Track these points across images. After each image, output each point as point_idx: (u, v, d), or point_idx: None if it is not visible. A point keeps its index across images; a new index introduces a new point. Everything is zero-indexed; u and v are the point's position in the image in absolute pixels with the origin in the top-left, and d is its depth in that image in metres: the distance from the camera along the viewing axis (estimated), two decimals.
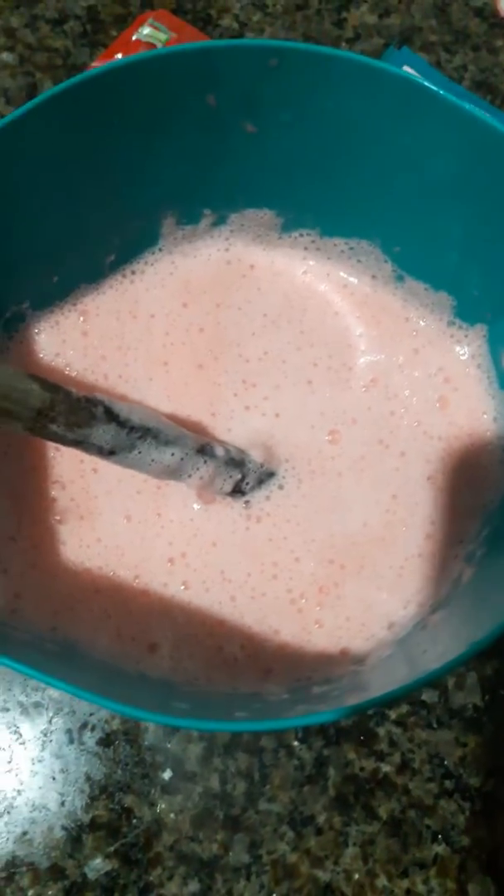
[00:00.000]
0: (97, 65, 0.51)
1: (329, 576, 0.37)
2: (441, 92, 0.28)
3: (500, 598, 0.29)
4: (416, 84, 0.28)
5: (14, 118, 0.30)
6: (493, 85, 0.52)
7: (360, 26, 0.53)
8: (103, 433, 0.32)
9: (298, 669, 0.35)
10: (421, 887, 0.39)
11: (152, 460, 0.34)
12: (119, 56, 0.51)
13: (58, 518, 0.37)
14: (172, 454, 0.34)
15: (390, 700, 0.25)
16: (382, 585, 0.36)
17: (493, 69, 0.53)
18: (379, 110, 0.31)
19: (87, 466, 0.38)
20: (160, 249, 0.40)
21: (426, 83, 0.28)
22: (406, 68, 0.51)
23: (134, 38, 0.51)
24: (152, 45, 0.51)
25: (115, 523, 0.37)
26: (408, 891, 0.38)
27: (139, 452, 0.34)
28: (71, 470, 0.38)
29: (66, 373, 0.39)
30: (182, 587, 0.37)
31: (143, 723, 0.39)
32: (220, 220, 0.40)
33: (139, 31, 0.51)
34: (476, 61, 0.53)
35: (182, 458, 0.35)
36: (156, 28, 0.51)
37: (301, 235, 0.40)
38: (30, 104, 0.30)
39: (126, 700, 0.24)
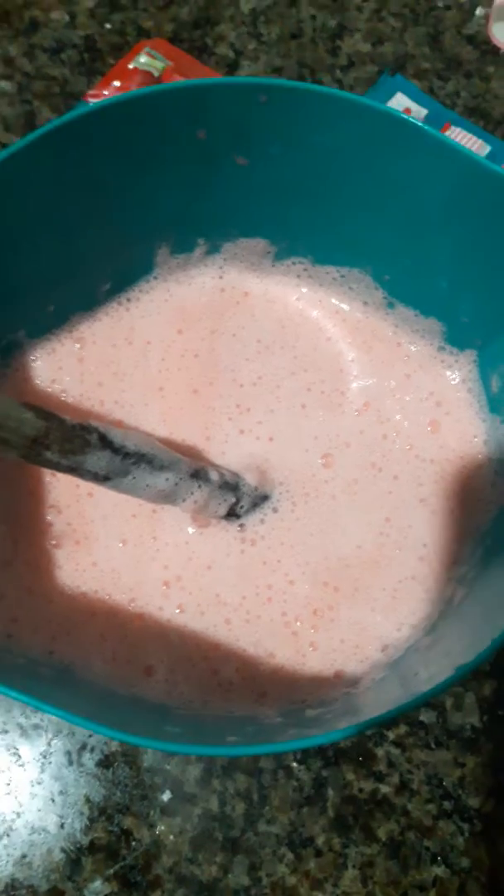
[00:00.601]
0: (94, 93, 0.52)
1: (323, 598, 0.37)
2: (425, 127, 0.29)
3: (488, 621, 0.29)
4: (401, 119, 0.29)
5: (10, 152, 0.30)
6: (485, 111, 0.53)
7: (354, 54, 0.54)
8: (98, 460, 0.32)
9: (293, 692, 0.35)
10: None
11: (147, 485, 0.34)
12: (116, 83, 0.51)
13: (54, 542, 0.37)
14: (167, 479, 0.35)
15: (380, 723, 0.25)
16: (376, 608, 0.37)
17: (485, 95, 0.53)
18: (366, 144, 0.32)
19: (82, 491, 0.38)
20: (155, 278, 0.41)
21: (410, 119, 0.29)
22: (399, 95, 0.52)
23: (131, 66, 0.52)
24: (149, 73, 0.52)
25: (110, 547, 0.37)
26: None
27: (133, 478, 0.34)
28: (67, 494, 0.38)
29: (63, 399, 0.39)
30: (177, 610, 0.37)
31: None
32: (213, 249, 0.41)
33: (136, 59, 0.52)
34: (468, 88, 0.54)
35: (176, 483, 0.35)
36: (152, 56, 0.52)
37: (294, 263, 0.41)
38: (27, 139, 0.30)
39: (120, 725, 0.25)
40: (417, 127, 0.29)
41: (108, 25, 0.54)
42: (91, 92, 0.52)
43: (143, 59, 0.52)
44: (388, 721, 0.26)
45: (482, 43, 0.55)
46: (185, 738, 0.27)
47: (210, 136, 0.33)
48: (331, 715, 0.30)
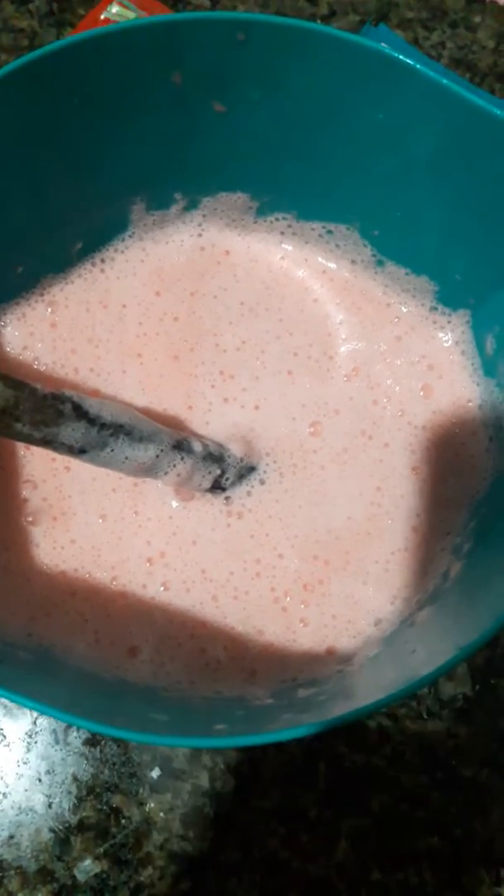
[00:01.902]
0: None
1: (313, 572, 0.36)
2: (418, 66, 0.27)
3: (489, 596, 0.28)
4: (392, 59, 0.27)
5: None
6: (472, 62, 0.51)
7: (336, 3, 0.52)
8: (73, 431, 0.31)
9: (284, 670, 0.34)
10: (414, 880, 0.39)
11: (126, 458, 0.33)
12: None
13: (30, 519, 0.36)
14: (147, 451, 0.33)
15: (377, 709, 0.24)
16: (368, 581, 0.36)
17: (471, 46, 0.52)
18: (354, 87, 0.30)
19: (59, 465, 0.37)
20: (130, 236, 0.39)
21: (402, 57, 0.27)
22: (383, 46, 0.50)
23: (102, 16, 0.49)
24: None
25: (90, 523, 0.36)
26: (401, 884, 0.38)
27: (112, 450, 0.32)
28: (42, 469, 0.36)
29: (35, 367, 0.37)
30: (162, 588, 0.36)
31: None
32: (192, 205, 0.39)
33: (108, 9, 0.50)
34: (454, 38, 0.52)
35: (158, 455, 0.34)
36: (124, 6, 0.50)
37: (277, 219, 0.39)
38: None
39: (103, 714, 0.23)
40: (409, 66, 0.27)
41: None
42: None
43: (114, 9, 0.50)
44: (386, 706, 0.25)
45: None
46: (171, 727, 0.26)
47: (185, 80, 0.31)
48: (324, 696, 0.29)
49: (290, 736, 0.22)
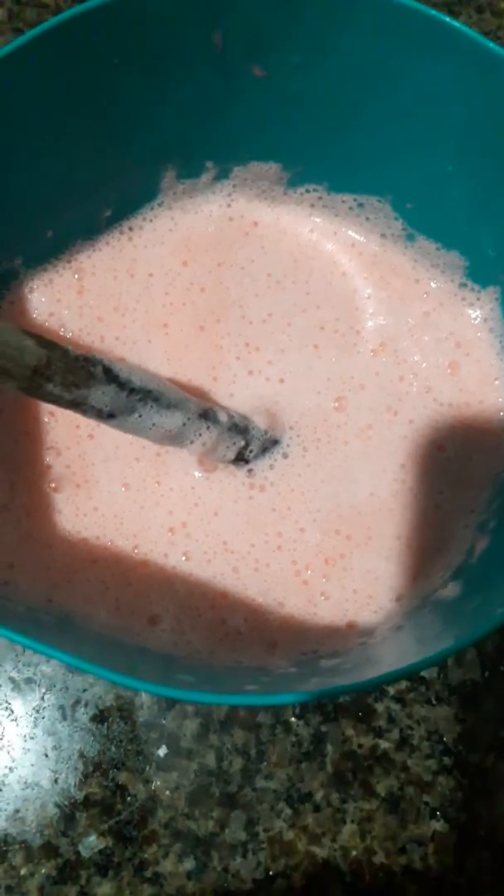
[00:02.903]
0: None
1: (335, 547, 0.36)
2: (462, 28, 0.27)
3: None
4: (436, 19, 0.27)
5: (3, 55, 0.28)
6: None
7: None
8: (102, 395, 0.30)
9: (304, 643, 0.34)
10: (419, 864, 0.38)
11: (153, 424, 0.32)
12: None
13: (53, 486, 0.36)
14: (174, 418, 0.33)
15: (407, 674, 0.24)
16: (391, 557, 0.36)
17: (496, 31, 0.52)
18: (396, 50, 0.30)
19: (83, 432, 0.36)
20: (159, 205, 0.39)
21: (445, 18, 0.27)
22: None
23: None
24: None
25: (112, 491, 0.36)
26: (405, 867, 0.38)
27: (140, 416, 0.32)
28: (66, 436, 0.36)
29: (61, 334, 0.37)
30: (183, 558, 0.35)
31: (137, 699, 0.39)
32: (222, 174, 0.38)
33: None
34: (480, 23, 0.52)
35: (184, 423, 0.33)
36: None
37: (308, 191, 0.39)
38: (17, 42, 0.28)
39: (128, 670, 0.23)
40: (453, 27, 0.27)
41: None
42: None
43: None
44: (418, 671, 0.25)
45: None
46: (198, 686, 0.25)
47: (226, 41, 0.30)
48: (349, 665, 0.29)
49: (326, 695, 0.22)
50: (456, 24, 0.27)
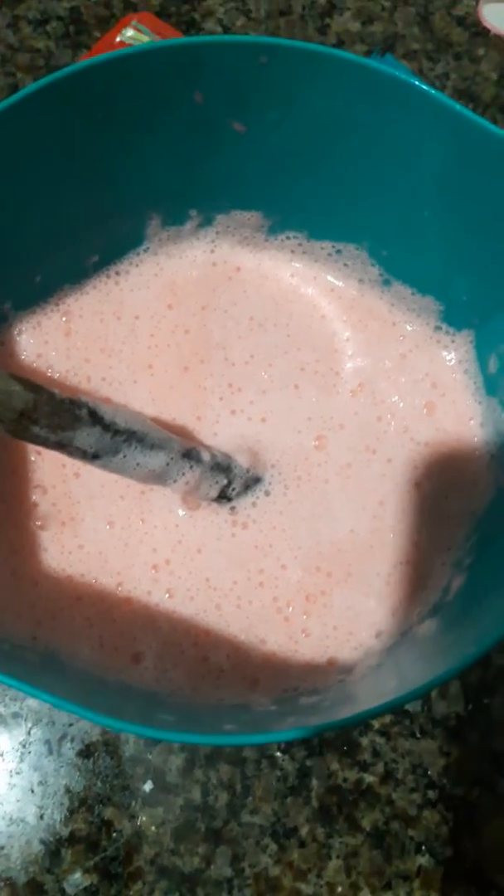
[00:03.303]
0: None
1: (316, 584, 0.36)
2: (431, 91, 0.28)
3: (489, 610, 0.28)
4: (406, 83, 0.28)
5: None
6: (475, 93, 0.53)
7: (344, 33, 0.53)
8: (87, 436, 0.31)
9: (285, 680, 0.34)
10: None
11: (137, 464, 0.33)
12: None
13: (39, 523, 0.36)
14: (158, 458, 0.34)
15: (383, 712, 0.24)
16: (370, 593, 0.36)
17: (474, 77, 0.53)
18: (369, 109, 0.31)
19: (69, 471, 0.37)
20: (145, 250, 0.40)
21: (417, 82, 0.28)
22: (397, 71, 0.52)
23: (117, 39, 0.51)
24: None
25: (97, 529, 0.36)
26: None
27: (124, 456, 0.33)
28: (52, 474, 0.37)
29: (49, 375, 0.38)
30: (166, 595, 0.36)
31: (123, 734, 0.39)
32: (206, 222, 0.40)
33: (122, 33, 0.51)
34: (458, 70, 0.53)
35: (168, 463, 0.34)
36: (139, 30, 0.51)
37: (288, 238, 0.40)
38: (12, 98, 0.29)
39: (110, 711, 0.24)
40: (421, 90, 0.28)
41: None
42: None
43: (129, 32, 0.51)
44: (393, 709, 0.25)
45: (472, 25, 0.54)
46: (178, 726, 0.26)
47: (207, 99, 0.32)
48: (328, 702, 0.30)
49: (300, 735, 0.23)
50: (424, 86, 0.28)
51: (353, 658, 0.35)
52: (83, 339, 0.39)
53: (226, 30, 0.53)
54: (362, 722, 0.25)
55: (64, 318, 0.38)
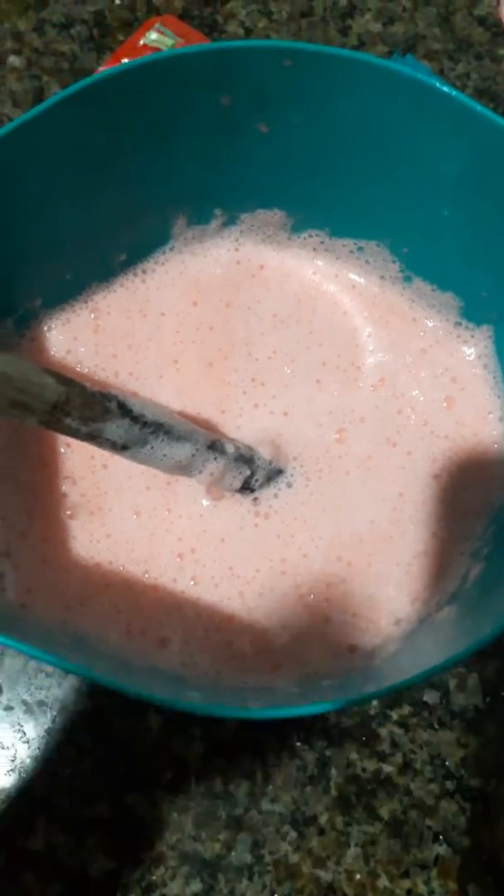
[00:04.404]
0: (104, 69, 0.51)
1: (337, 572, 0.37)
2: (452, 93, 0.29)
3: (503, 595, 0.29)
4: (427, 85, 0.29)
5: (27, 119, 0.30)
6: (496, 93, 0.53)
7: (365, 34, 0.54)
8: (117, 428, 0.32)
9: (306, 665, 0.35)
10: (422, 888, 0.38)
11: (164, 455, 0.34)
12: (125, 61, 0.51)
13: (69, 513, 0.37)
14: (184, 450, 0.34)
15: (416, 682, 0.25)
16: (390, 582, 0.37)
17: (495, 77, 0.53)
18: (390, 111, 0.31)
19: (97, 462, 0.38)
20: (171, 249, 0.41)
21: (437, 84, 0.29)
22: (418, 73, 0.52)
23: (141, 42, 0.51)
24: (158, 51, 0.51)
25: (124, 519, 0.37)
26: (409, 891, 0.38)
27: (152, 447, 0.34)
28: (82, 466, 0.38)
29: (77, 370, 0.39)
30: (191, 582, 0.37)
31: (145, 722, 0.39)
32: (230, 221, 0.40)
33: (146, 36, 0.51)
34: (479, 70, 0.53)
35: (193, 454, 0.35)
36: (162, 33, 0.52)
37: (311, 236, 0.41)
38: (44, 104, 0.30)
39: (142, 687, 0.24)
40: (443, 93, 0.29)
41: (117, 1, 0.54)
42: (100, 68, 0.51)
43: (153, 35, 0.52)
44: (417, 683, 0.26)
45: (493, 25, 0.54)
46: (207, 702, 0.27)
47: (234, 102, 0.32)
48: (350, 684, 0.30)
49: (328, 708, 0.23)
50: (446, 88, 0.29)
51: (372, 644, 0.35)
52: (111, 335, 0.39)
53: (248, 32, 0.53)
54: (388, 695, 0.25)
55: (92, 315, 0.39)
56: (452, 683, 0.41)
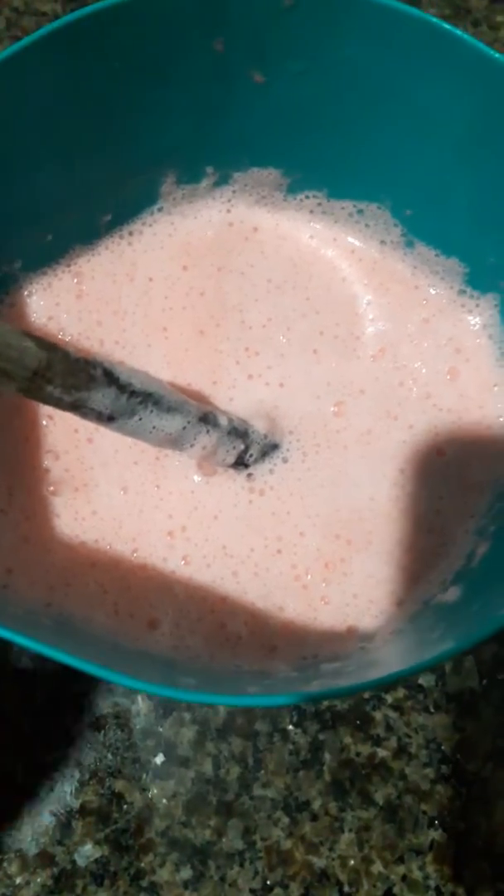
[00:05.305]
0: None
1: (335, 551, 0.36)
2: (465, 36, 0.27)
3: None
4: (442, 29, 0.27)
5: (5, 57, 0.28)
6: None
7: None
8: (103, 397, 0.30)
9: (304, 647, 0.34)
10: (417, 873, 0.38)
11: (153, 427, 0.32)
12: None
13: (51, 489, 0.36)
14: (174, 422, 0.33)
15: (412, 674, 0.24)
16: (391, 561, 0.36)
17: (493, 45, 0.52)
18: (396, 57, 0.30)
19: (81, 436, 0.36)
20: (159, 210, 0.39)
21: (448, 26, 0.27)
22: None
23: None
24: None
25: (111, 495, 0.36)
26: (403, 877, 0.38)
27: (140, 419, 0.32)
28: (65, 439, 0.36)
29: (60, 337, 0.37)
30: (182, 562, 0.35)
31: (133, 707, 0.39)
32: (222, 180, 0.39)
33: None
34: (477, 36, 0.52)
35: (184, 427, 0.33)
36: None
37: (307, 197, 0.39)
38: (16, 46, 0.28)
39: (129, 674, 0.23)
40: (459, 37, 0.27)
41: None
42: None
43: None
44: (422, 670, 0.25)
45: None
46: (201, 689, 0.25)
47: (227, 47, 0.31)
48: (351, 668, 0.29)
49: (328, 695, 0.22)
50: (457, 31, 0.27)
51: (373, 626, 0.34)
52: (95, 301, 0.38)
53: None
54: (389, 683, 0.24)
55: (75, 280, 0.38)
56: (448, 666, 0.40)
